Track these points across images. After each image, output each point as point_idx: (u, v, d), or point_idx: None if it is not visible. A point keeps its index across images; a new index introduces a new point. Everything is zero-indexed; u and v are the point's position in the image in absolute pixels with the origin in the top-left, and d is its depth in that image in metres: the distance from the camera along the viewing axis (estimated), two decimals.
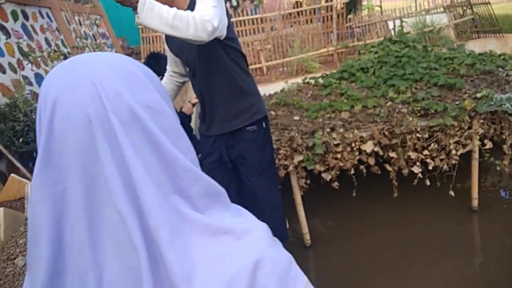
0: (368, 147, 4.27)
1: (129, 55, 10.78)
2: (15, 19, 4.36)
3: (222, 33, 1.82)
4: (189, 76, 2.17)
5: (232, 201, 2.66)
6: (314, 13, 9.06)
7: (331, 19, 9.00)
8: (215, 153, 2.16)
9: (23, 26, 4.49)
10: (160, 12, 1.54)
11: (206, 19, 1.59)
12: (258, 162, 2.11)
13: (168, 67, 2.28)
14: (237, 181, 2.26)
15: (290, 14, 8.91)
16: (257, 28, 8.56)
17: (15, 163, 3.02)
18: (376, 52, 7.16)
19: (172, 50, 2.15)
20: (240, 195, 2.31)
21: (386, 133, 4.30)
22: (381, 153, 4.30)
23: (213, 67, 1.97)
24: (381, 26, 8.64)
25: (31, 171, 3.22)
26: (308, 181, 3.63)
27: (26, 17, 4.68)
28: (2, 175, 3.10)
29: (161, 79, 2.35)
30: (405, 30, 7.92)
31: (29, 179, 2.99)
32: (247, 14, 8.81)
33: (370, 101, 4.86)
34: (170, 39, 2.08)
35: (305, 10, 8.85)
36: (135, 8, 1.54)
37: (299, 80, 6.82)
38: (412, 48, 7.01)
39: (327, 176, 4.43)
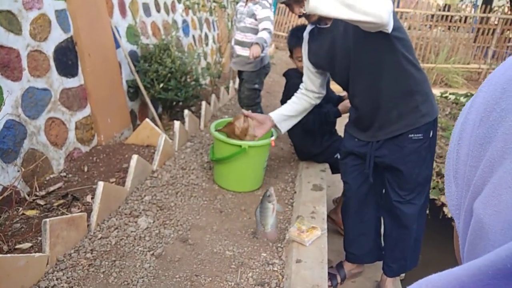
0: None
1: None
2: None
3: (391, 22, 1.48)
4: (343, 87, 1.87)
5: (369, 215, 2.02)
6: (465, 21, 7.99)
7: (489, 33, 7.87)
8: (359, 157, 1.86)
9: None
10: None
11: None
12: (414, 177, 1.74)
13: (302, 86, 2.03)
14: (379, 192, 1.92)
15: (442, 16, 7.95)
16: None
17: (149, 106, 2.98)
18: None
19: (319, 65, 1.88)
20: (378, 209, 1.98)
21: None
22: None
23: (377, 68, 1.63)
24: None
25: (160, 116, 3.19)
26: (427, 211, 3.21)
27: None
28: (134, 114, 3.10)
29: None
30: None
31: (158, 125, 2.94)
32: None
33: None
34: (316, 53, 1.83)
35: (462, 17, 7.82)
36: None
37: (436, 92, 6.08)
38: None
39: (449, 213, 3.91)
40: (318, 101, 2.05)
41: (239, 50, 2.94)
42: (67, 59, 2.32)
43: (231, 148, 2.14)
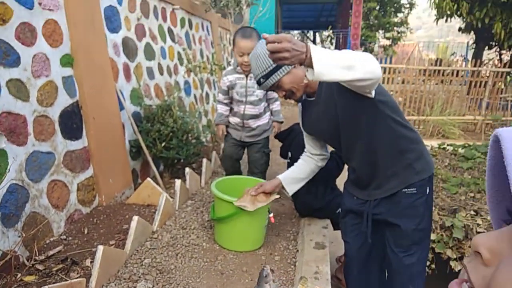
0: None
1: None
2: (182, 25, 4.61)
3: (373, 91, 1.57)
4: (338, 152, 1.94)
5: (373, 276, 1.98)
6: (457, 75, 8.28)
7: (481, 85, 8.11)
8: (358, 215, 1.85)
9: (186, 34, 4.73)
10: (334, 57, 1.35)
11: (367, 54, 1.43)
12: (410, 233, 1.72)
13: (306, 150, 2.10)
14: (382, 253, 1.88)
15: (434, 71, 8.25)
16: (392, 78, 8.04)
17: (151, 165, 3.02)
18: None
19: (312, 133, 1.97)
20: (382, 270, 1.93)
21: None
22: None
23: (367, 134, 1.68)
24: None
25: (161, 174, 3.21)
26: (433, 266, 3.18)
27: (190, 26, 4.94)
28: (135, 173, 3.13)
29: None
30: None
31: (159, 184, 2.96)
32: (381, 63, 8.38)
33: None
34: (308, 124, 1.92)
35: (454, 70, 8.10)
36: (306, 65, 1.36)
37: (434, 143, 6.15)
38: None
39: (456, 266, 3.79)
40: (323, 163, 2.09)
41: (254, 122, 2.88)
42: (72, 122, 2.39)
43: (231, 207, 2.14)
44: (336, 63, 1.34)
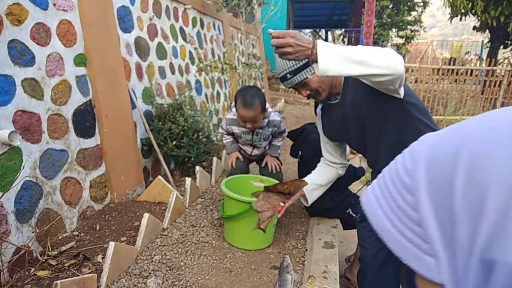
0: None
1: (269, 78, 11.13)
2: (194, 25, 4.64)
3: (402, 86, 1.52)
4: (362, 154, 1.86)
5: (388, 281, 1.92)
6: (471, 74, 8.16)
7: (496, 84, 7.99)
8: None
9: (198, 33, 4.76)
10: (344, 52, 1.31)
11: (387, 49, 1.37)
12: None
13: (323, 159, 2.03)
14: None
15: (448, 70, 8.14)
16: (406, 77, 7.96)
17: (162, 163, 3.05)
18: None
19: (333, 138, 1.90)
20: (399, 278, 1.89)
21: None
22: None
23: (395, 137, 1.62)
24: None
25: (172, 172, 3.25)
26: None
27: (202, 25, 4.97)
28: (147, 171, 3.17)
29: None
30: None
31: (169, 182, 2.99)
32: None
33: None
34: (329, 128, 1.86)
35: (468, 70, 7.99)
36: (312, 60, 1.34)
37: None
38: None
39: None
40: (343, 172, 2.02)
41: (257, 151, 2.83)
42: (85, 121, 2.44)
43: (241, 205, 2.16)
44: (345, 58, 1.32)
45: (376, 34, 16.97)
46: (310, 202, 1.97)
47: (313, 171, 2.02)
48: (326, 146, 1.97)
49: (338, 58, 1.31)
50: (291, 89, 9.54)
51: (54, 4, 2.23)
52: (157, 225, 2.23)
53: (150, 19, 3.45)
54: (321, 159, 2.03)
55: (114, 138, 2.66)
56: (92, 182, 2.46)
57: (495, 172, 0.34)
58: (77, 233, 2.20)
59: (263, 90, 8.43)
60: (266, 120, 2.62)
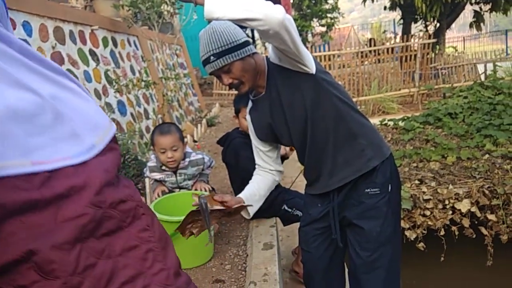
0: (464, 206, 3.81)
1: (201, 84, 11.07)
2: (105, 45, 4.47)
3: (311, 62, 1.56)
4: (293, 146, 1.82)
5: (335, 280, 1.96)
6: (392, 52, 8.67)
7: (411, 58, 8.54)
8: (323, 221, 1.78)
9: (112, 52, 4.59)
10: None
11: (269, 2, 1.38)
12: (375, 235, 1.66)
13: (260, 166, 1.92)
14: (342, 255, 1.88)
15: (370, 51, 8.57)
16: (329, 65, 8.28)
17: None
18: (465, 97, 6.61)
19: (264, 134, 1.81)
20: (343, 274, 1.95)
21: (486, 191, 3.83)
22: (478, 214, 3.82)
23: (313, 115, 1.61)
24: (469, 69, 8.00)
25: None
26: None
27: (115, 44, 4.80)
28: None
29: None
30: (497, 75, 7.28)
31: None
32: (316, 51, 8.64)
33: (464, 152, 4.40)
34: (258, 123, 1.79)
35: (387, 49, 8.46)
36: (195, 2, 1.37)
37: (376, 121, 6.40)
38: (507, 95, 6.41)
39: (411, 235, 3.98)
40: (279, 178, 1.95)
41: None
42: None
43: (173, 225, 2.11)
44: (231, 1, 1.32)
45: (299, 26, 17.46)
46: (251, 214, 1.85)
47: (250, 182, 1.91)
48: (259, 153, 1.88)
49: (223, 1, 1.32)
50: (224, 93, 9.55)
51: None
52: None
53: (53, 47, 3.27)
54: (256, 167, 1.94)
55: None
56: None
57: None
58: None
59: (196, 98, 8.38)
60: (188, 160, 2.58)
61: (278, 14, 1.34)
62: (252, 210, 1.83)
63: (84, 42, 3.93)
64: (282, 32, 1.38)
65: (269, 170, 1.90)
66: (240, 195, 1.81)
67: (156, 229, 0.78)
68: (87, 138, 0.66)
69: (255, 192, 1.85)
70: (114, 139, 0.76)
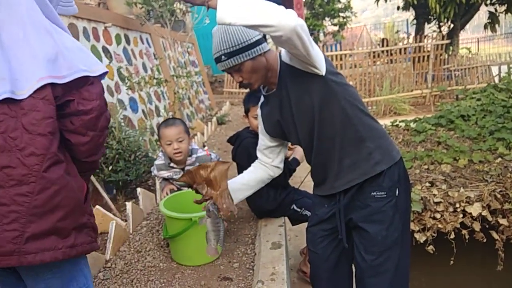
0: (475, 209, 3.76)
1: (212, 82, 11.10)
2: (118, 42, 4.51)
3: (322, 63, 1.54)
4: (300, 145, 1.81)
5: (340, 280, 1.94)
6: (404, 52, 8.57)
7: (424, 59, 8.44)
8: (330, 222, 1.77)
9: (124, 50, 4.63)
10: (244, 1, 1.32)
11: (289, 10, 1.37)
12: (381, 239, 1.64)
13: (260, 159, 1.93)
14: (350, 258, 1.85)
15: (383, 52, 8.49)
16: (341, 65, 8.23)
17: (100, 191, 2.94)
18: (478, 99, 6.52)
19: (272, 130, 1.81)
20: (351, 276, 1.91)
21: (498, 195, 3.78)
22: (489, 218, 3.77)
23: (320, 116, 1.60)
24: (482, 71, 7.88)
25: (113, 200, 3.14)
26: None
27: (128, 41, 4.84)
28: None
29: None
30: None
31: (111, 209, 2.89)
32: (328, 50, 8.58)
33: (476, 155, 4.34)
34: (268, 119, 1.80)
35: (399, 49, 8.37)
36: (207, 6, 1.35)
37: (387, 121, 6.35)
38: None
39: (421, 238, 3.95)
40: (274, 174, 1.93)
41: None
42: None
43: (182, 223, 2.13)
44: (244, 7, 1.32)
45: (310, 25, 17.38)
46: (235, 202, 1.82)
47: (244, 171, 1.94)
48: (262, 147, 1.90)
49: (236, 6, 1.32)
50: (234, 91, 9.55)
51: None
52: (98, 259, 2.15)
53: None
54: (257, 159, 1.95)
55: None
56: None
57: None
58: None
59: (206, 96, 8.39)
60: (195, 156, 2.62)
61: (291, 21, 1.34)
62: (236, 198, 1.81)
63: (97, 39, 3.97)
64: (294, 38, 1.38)
65: (266, 164, 1.91)
66: (229, 181, 1.79)
67: (40, 197, 0.96)
68: None
69: (241, 181, 1.87)
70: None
